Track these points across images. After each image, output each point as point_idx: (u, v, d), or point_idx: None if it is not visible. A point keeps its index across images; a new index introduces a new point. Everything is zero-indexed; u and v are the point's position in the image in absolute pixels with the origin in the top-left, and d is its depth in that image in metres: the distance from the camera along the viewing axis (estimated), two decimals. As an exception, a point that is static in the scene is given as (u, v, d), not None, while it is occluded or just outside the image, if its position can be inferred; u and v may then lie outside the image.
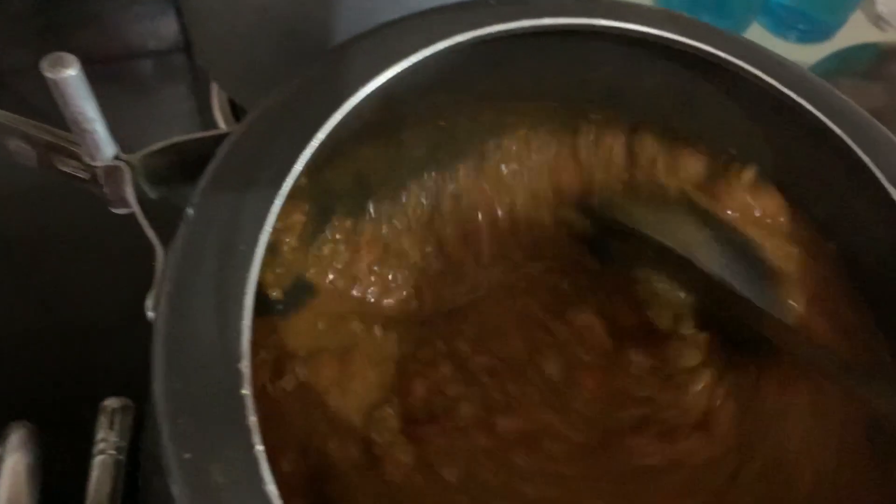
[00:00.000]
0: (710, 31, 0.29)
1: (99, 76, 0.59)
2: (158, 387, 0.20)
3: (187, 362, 0.20)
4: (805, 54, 0.60)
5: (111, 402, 0.39)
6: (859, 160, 0.27)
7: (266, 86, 0.40)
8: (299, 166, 0.24)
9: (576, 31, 0.29)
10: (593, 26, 0.28)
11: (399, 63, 0.26)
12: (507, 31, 0.28)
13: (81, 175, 0.25)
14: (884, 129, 0.28)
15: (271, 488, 0.19)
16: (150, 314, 0.22)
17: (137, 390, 0.39)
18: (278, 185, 0.23)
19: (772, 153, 0.32)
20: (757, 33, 0.62)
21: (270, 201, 0.23)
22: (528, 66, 0.31)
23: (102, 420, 0.38)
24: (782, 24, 0.62)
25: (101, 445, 0.37)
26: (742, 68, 0.29)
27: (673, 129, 0.33)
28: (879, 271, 0.29)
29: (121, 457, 0.38)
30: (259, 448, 0.19)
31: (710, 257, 0.30)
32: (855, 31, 0.63)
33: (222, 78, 0.43)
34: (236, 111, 0.49)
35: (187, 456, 0.19)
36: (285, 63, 0.36)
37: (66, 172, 0.25)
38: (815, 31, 0.62)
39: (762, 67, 0.29)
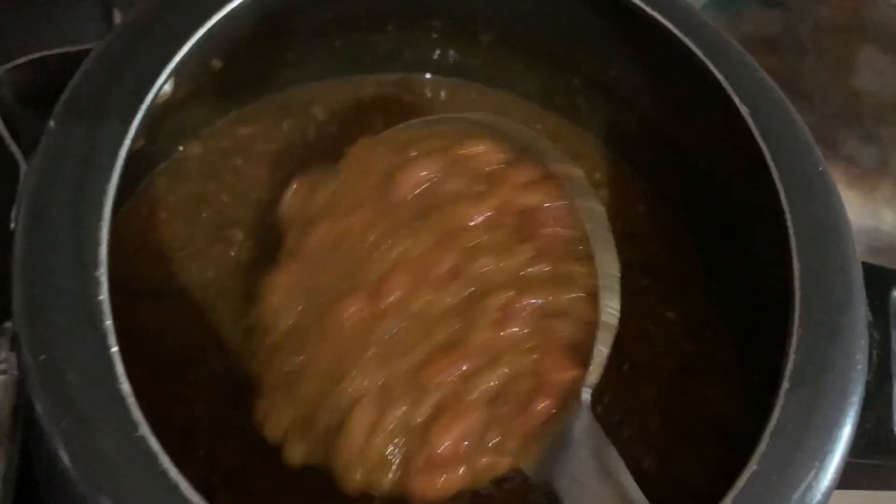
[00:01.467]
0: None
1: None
2: (17, 294, 0.21)
3: (46, 271, 0.21)
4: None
5: (10, 325, 0.39)
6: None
7: None
8: (162, 79, 0.24)
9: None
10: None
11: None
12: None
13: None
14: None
15: (125, 387, 0.20)
16: (13, 225, 0.22)
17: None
18: (140, 100, 0.23)
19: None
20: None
21: (132, 116, 0.23)
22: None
23: (2, 342, 0.38)
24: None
25: (2, 366, 0.38)
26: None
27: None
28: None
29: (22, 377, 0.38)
30: (114, 350, 0.20)
31: None
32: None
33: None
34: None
35: (42, 357, 0.20)
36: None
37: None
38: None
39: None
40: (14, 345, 0.39)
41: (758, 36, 0.47)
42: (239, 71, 0.31)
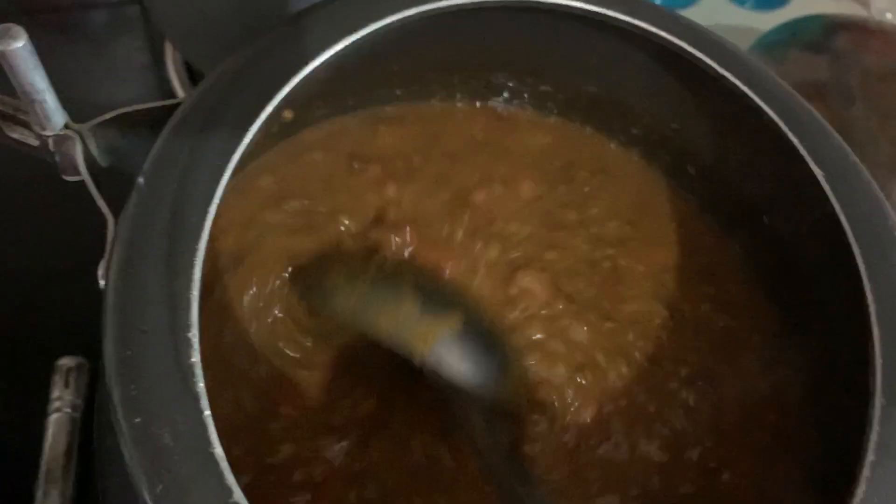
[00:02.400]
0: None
1: (49, 27, 0.58)
2: (109, 354, 0.21)
3: (137, 330, 0.21)
4: (760, 21, 0.61)
5: (66, 362, 0.39)
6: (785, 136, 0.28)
7: (220, 46, 0.40)
8: (249, 137, 0.24)
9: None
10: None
11: (353, 34, 0.27)
12: (459, 6, 0.28)
13: (31, 142, 0.25)
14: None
15: (219, 451, 0.20)
16: (102, 282, 0.22)
17: (92, 350, 0.40)
18: (229, 155, 0.24)
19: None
20: (714, 1, 0.63)
21: (221, 172, 0.23)
22: (476, 37, 0.32)
23: (57, 379, 0.39)
24: (738, -8, 0.63)
25: (56, 404, 0.38)
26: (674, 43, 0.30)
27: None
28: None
29: (76, 415, 0.38)
30: (207, 413, 0.20)
31: None
32: (809, 1, 0.64)
33: (176, 37, 0.43)
34: (191, 69, 0.49)
35: (137, 420, 0.20)
36: (240, 24, 0.36)
37: (15, 139, 0.25)
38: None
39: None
40: (67, 383, 0.39)
41: (805, 82, 0.47)
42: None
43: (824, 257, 0.28)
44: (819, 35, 0.51)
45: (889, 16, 0.64)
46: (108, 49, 0.58)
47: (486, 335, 0.30)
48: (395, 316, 0.28)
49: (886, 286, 0.25)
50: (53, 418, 0.38)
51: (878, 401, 0.23)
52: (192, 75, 0.48)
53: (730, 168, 0.33)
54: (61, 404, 0.38)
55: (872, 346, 0.24)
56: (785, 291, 0.32)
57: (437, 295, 0.30)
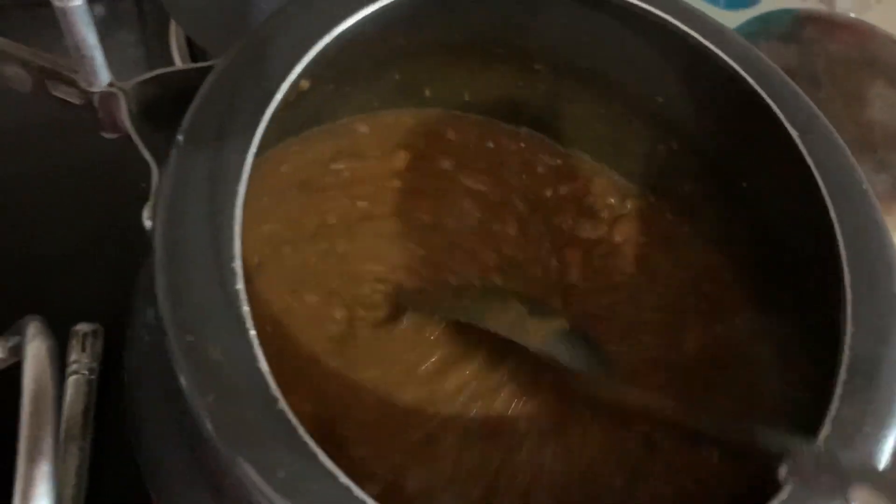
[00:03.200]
0: None
1: (46, 21, 0.59)
2: (161, 281, 0.23)
3: (187, 263, 0.23)
4: (732, 19, 0.64)
5: (82, 327, 0.41)
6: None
7: (230, 30, 0.42)
8: (280, 95, 0.26)
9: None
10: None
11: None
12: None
13: (75, 101, 0.27)
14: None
15: (264, 366, 0.22)
16: (148, 223, 0.24)
17: (106, 316, 0.41)
18: (262, 112, 0.26)
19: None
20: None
21: (255, 127, 0.26)
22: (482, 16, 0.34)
23: (74, 343, 0.40)
24: (711, -10, 0.66)
25: (74, 367, 0.40)
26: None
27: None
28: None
29: (93, 377, 0.40)
30: (252, 332, 0.22)
31: None
32: (777, 1, 0.67)
33: (181, 15, 0.45)
34: (194, 53, 0.50)
35: (189, 339, 0.22)
36: (251, 6, 0.38)
37: (58, 98, 0.27)
38: (741, -2, 0.66)
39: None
40: (84, 347, 0.41)
41: (777, 68, 0.50)
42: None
43: (800, 219, 0.31)
44: (788, 27, 0.54)
45: (853, 15, 0.68)
46: (106, 41, 0.59)
47: (589, 339, 0.33)
48: (506, 317, 0.32)
49: (855, 233, 0.28)
50: (72, 380, 0.39)
51: (849, 329, 0.26)
52: (195, 59, 0.50)
53: (711, 136, 0.36)
54: (78, 367, 0.40)
55: (844, 312, 0.27)
56: (760, 259, 0.35)
57: (539, 305, 0.34)
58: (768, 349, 0.33)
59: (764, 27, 0.55)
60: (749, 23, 0.57)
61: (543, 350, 0.31)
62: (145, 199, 0.26)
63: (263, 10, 0.38)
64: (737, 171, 0.35)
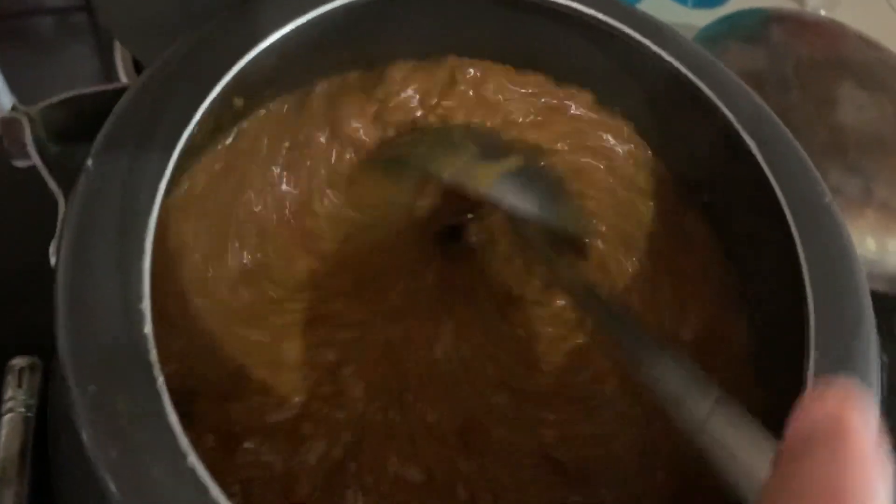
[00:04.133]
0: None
1: (-1, 34, 0.57)
2: (62, 326, 0.21)
3: (90, 303, 0.21)
4: (700, 18, 0.63)
5: (18, 361, 0.39)
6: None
7: (169, 42, 0.40)
8: (196, 118, 0.24)
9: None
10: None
11: (296, 19, 0.27)
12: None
13: (-21, 126, 0.25)
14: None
15: (173, 418, 0.20)
16: (53, 259, 0.23)
17: (44, 349, 0.39)
18: (177, 137, 0.24)
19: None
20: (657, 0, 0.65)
21: (169, 153, 0.24)
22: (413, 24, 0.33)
23: (10, 379, 0.38)
24: (680, -10, 0.65)
25: (9, 404, 0.37)
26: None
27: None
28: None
29: (30, 414, 0.38)
30: (160, 381, 0.21)
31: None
32: (747, 0, 0.66)
33: (124, 34, 0.43)
34: (140, 70, 0.49)
35: (92, 388, 0.20)
36: (188, 19, 0.36)
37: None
38: (709, -2, 0.65)
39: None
40: (20, 382, 0.39)
41: (744, 71, 0.48)
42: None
43: (760, 228, 0.29)
44: (756, 27, 0.52)
45: (823, 13, 0.66)
46: (57, 56, 0.57)
47: (543, 176, 0.34)
48: (454, 164, 0.31)
49: (818, 250, 0.27)
50: (7, 418, 0.37)
51: (812, 354, 0.24)
52: (142, 76, 0.48)
53: (676, 150, 0.34)
54: (14, 404, 0.37)
55: (806, 305, 0.25)
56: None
57: (493, 147, 0.33)
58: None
59: (732, 28, 0.54)
60: (717, 23, 0.56)
61: (488, 194, 0.31)
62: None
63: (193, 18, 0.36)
64: (700, 184, 0.33)
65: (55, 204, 0.36)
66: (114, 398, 0.20)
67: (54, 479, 0.27)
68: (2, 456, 0.36)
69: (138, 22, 0.40)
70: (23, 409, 0.37)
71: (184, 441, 0.20)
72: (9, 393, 0.38)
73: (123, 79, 0.48)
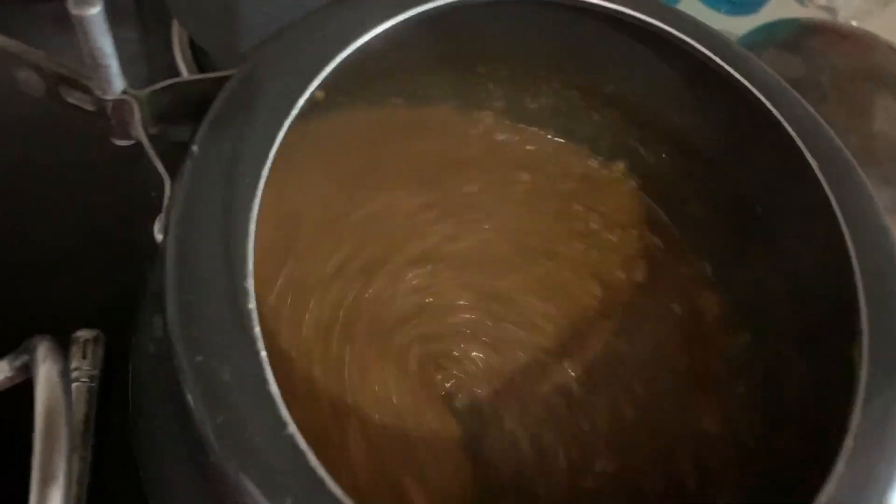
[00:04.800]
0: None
1: (44, 17, 0.59)
2: (171, 299, 0.23)
3: (197, 278, 0.23)
4: (734, 25, 0.64)
5: (83, 334, 0.40)
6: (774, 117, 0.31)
7: (230, 27, 0.41)
8: (295, 110, 0.26)
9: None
10: None
11: (392, 18, 0.29)
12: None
13: (88, 107, 0.26)
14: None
15: (274, 389, 0.22)
16: (159, 236, 0.24)
17: (106, 323, 0.41)
18: (279, 125, 0.25)
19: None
20: (691, 6, 0.66)
21: (272, 140, 0.25)
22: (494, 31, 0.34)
23: (75, 350, 0.40)
24: (714, -4, 0.67)
25: (74, 374, 0.39)
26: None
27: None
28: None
29: (93, 385, 0.39)
30: (263, 354, 0.22)
31: None
32: (780, 8, 0.67)
33: (185, 17, 0.45)
34: (197, 55, 0.50)
35: (199, 358, 0.22)
36: (259, 12, 0.38)
37: (71, 104, 0.27)
38: (744, 5, 0.67)
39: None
40: (84, 354, 0.40)
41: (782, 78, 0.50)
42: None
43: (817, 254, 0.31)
44: (793, 37, 0.54)
45: (855, 23, 0.68)
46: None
47: None
48: None
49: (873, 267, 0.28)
50: (73, 388, 0.39)
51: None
52: (198, 61, 0.50)
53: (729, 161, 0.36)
54: (79, 374, 0.39)
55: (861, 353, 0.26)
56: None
57: None
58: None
59: (769, 36, 0.55)
60: (755, 31, 0.57)
61: None
62: (152, 206, 0.25)
63: (267, 15, 0.37)
64: (753, 196, 0.35)
65: (125, 183, 0.38)
66: (219, 368, 0.22)
67: (134, 443, 0.28)
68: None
69: (206, 13, 0.42)
70: (87, 380, 0.39)
71: (284, 412, 0.22)
72: (73, 364, 0.39)
73: (180, 62, 0.50)
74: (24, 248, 0.42)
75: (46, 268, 0.42)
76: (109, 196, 0.43)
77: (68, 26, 0.25)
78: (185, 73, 0.49)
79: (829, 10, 0.69)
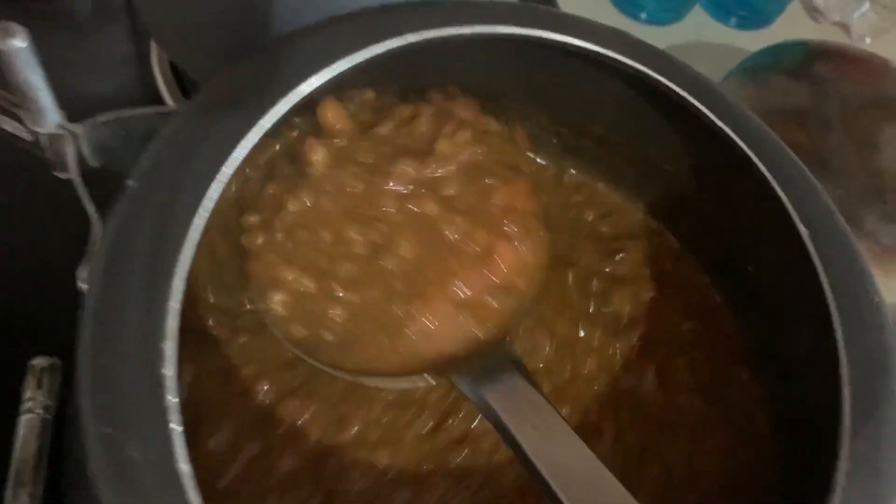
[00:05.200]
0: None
1: (33, 15, 0.57)
2: (83, 360, 0.21)
3: (113, 338, 0.21)
4: (743, 40, 0.62)
5: (39, 362, 0.39)
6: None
7: (207, 52, 0.40)
8: (240, 155, 0.24)
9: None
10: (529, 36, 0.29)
11: (347, 59, 0.27)
12: (459, 35, 0.28)
13: (24, 136, 0.25)
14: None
15: (184, 467, 0.20)
16: (82, 285, 0.22)
17: (66, 350, 0.39)
18: (216, 171, 0.24)
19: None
20: (699, 18, 0.64)
21: (207, 187, 0.23)
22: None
23: (30, 379, 0.38)
24: (723, 10, 0.64)
25: (28, 405, 0.37)
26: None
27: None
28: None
29: (48, 416, 0.38)
30: (175, 427, 0.20)
31: None
32: (792, 22, 0.65)
33: (163, 39, 0.43)
34: (175, 67, 0.49)
35: (107, 431, 0.20)
36: (228, 31, 0.36)
37: (9, 132, 0.25)
38: (753, 18, 0.64)
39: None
40: (40, 383, 0.39)
41: (786, 108, 0.47)
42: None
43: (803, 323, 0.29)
44: (800, 61, 0.51)
45: (868, 41, 0.65)
46: (92, 39, 0.57)
47: None
48: None
49: (860, 352, 0.26)
50: (25, 419, 0.37)
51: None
52: (177, 72, 0.48)
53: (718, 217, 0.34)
54: (33, 405, 0.37)
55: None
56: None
57: None
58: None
59: (775, 61, 0.53)
60: (760, 53, 0.55)
61: None
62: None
63: (249, 39, 0.36)
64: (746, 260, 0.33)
65: (83, 211, 0.36)
66: (128, 442, 0.20)
67: (65, 486, 0.27)
68: (19, 457, 0.36)
69: (176, 26, 0.40)
70: (41, 411, 0.37)
71: (192, 495, 0.20)
72: (28, 394, 0.38)
73: (157, 74, 0.48)
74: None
75: (3, 293, 0.40)
76: (69, 213, 0.42)
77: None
78: (163, 88, 0.47)
79: (843, 26, 0.67)
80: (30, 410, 0.38)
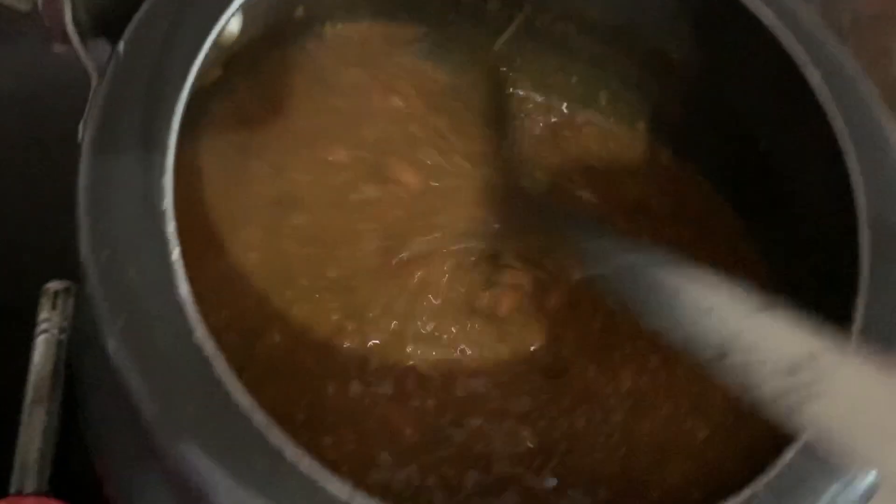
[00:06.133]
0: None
1: None
2: (83, 199, 0.21)
3: (111, 173, 0.21)
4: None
5: (54, 285, 0.39)
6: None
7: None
8: (229, 13, 0.24)
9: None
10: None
11: None
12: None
13: (21, 7, 0.25)
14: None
15: (184, 292, 0.20)
16: (80, 136, 0.23)
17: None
18: (207, 31, 0.24)
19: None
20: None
21: (199, 45, 0.24)
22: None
23: (44, 302, 0.39)
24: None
25: (43, 325, 0.38)
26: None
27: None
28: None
29: (62, 337, 0.38)
30: (175, 257, 0.20)
31: None
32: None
33: None
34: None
35: (105, 252, 0.20)
36: None
37: (6, 4, 0.25)
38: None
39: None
40: (54, 305, 0.39)
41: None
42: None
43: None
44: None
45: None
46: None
47: None
48: None
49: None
50: (40, 339, 0.38)
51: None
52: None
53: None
54: (48, 326, 0.38)
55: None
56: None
57: None
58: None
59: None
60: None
61: None
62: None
63: None
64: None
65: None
66: (127, 265, 0.20)
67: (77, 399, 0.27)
68: (35, 376, 0.36)
69: None
70: (56, 332, 0.38)
71: (193, 318, 0.20)
72: (43, 315, 0.38)
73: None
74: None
75: (14, 217, 0.41)
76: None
77: None
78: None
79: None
80: (45, 331, 0.38)
